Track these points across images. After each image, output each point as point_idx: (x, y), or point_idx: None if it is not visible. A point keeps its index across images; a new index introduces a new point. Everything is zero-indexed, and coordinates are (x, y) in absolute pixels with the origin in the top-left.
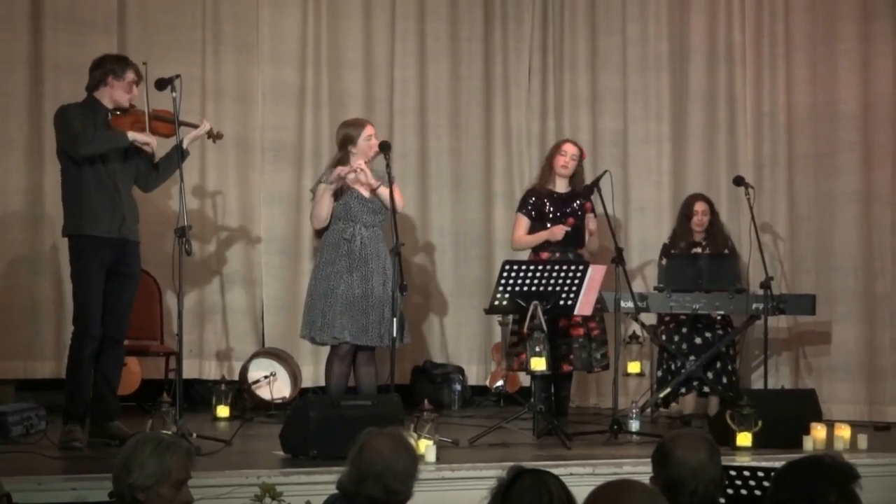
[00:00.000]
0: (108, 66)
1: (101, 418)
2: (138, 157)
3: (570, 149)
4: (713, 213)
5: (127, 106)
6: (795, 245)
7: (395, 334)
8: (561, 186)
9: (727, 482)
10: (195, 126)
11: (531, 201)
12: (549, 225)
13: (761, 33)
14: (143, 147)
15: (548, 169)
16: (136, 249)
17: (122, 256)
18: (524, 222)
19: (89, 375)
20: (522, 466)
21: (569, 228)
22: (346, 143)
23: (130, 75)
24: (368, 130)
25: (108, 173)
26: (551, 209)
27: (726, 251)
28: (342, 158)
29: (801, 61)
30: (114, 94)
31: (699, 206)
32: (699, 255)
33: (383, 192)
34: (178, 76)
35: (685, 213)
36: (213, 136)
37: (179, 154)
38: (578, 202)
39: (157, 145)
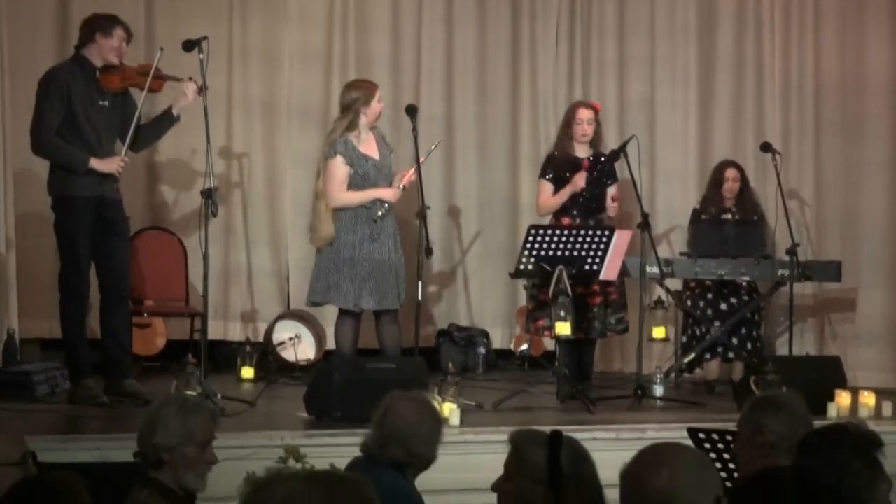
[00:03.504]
0: (96, 24)
1: (115, 377)
2: (123, 116)
3: (584, 114)
4: (744, 180)
5: (116, 63)
6: (822, 212)
7: (419, 297)
8: (581, 151)
9: (716, 448)
10: (178, 79)
11: (551, 168)
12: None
13: (790, 1)
14: (106, 172)
15: (566, 135)
16: (121, 207)
17: (108, 215)
18: (548, 188)
19: (84, 332)
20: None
21: (587, 173)
22: (354, 105)
23: (119, 33)
24: (379, 93)
25: (92, 131)
26: (571, 176)
27: (755, 218)
28: (353, 122)
29: (830, 29)
30: (102, 52)
31: (730, 173)
32: (726, 220)
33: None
34: (205, 38)
35: (716, 180)
36: (199, 88)
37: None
38: (600, 167)
39: (145, 98)
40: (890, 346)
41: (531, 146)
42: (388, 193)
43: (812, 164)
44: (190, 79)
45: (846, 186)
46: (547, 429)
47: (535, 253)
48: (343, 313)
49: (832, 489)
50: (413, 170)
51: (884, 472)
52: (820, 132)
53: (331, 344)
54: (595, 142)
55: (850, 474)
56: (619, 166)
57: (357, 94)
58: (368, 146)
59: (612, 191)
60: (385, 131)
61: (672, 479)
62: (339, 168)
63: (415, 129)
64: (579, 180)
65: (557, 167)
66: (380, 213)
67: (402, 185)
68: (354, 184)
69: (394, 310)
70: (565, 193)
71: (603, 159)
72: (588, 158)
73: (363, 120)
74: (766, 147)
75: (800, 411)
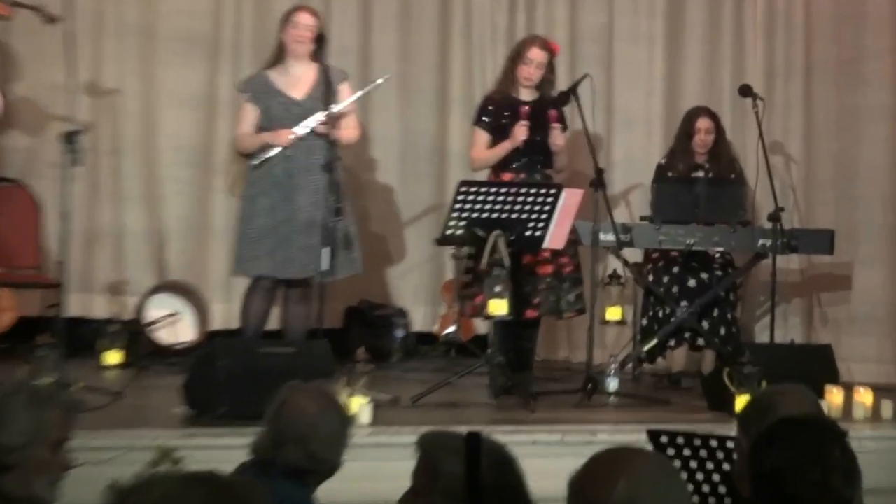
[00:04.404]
0: None
1: None
2: None
3: (536, 55)
4: (719, 131)
5: None
6: (811, 170)
7: (326, 265)
8: (526, 94)
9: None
10: (31, 7)
11: (488, 112)
12: None
13: None
14: None
15: (510, 74)
16: None
17: None
18: (483, 137)
19: None
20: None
21: (527, 124)
22: (278, 33)
23: None
24: (302, 16)
25: None
26: (512, 125)
27: (732, 176)
28: (279, 53)
29: None
30: None
31: (703, 123)
32: (696, 179)
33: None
34: None
35: (686, 130)
36: (47, 18)
37: None
38: (549, 111)
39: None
40: (892, 333)
41: (464, 86)
42: (278, 138)
43: (800, 111)
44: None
45: (841, 139)
46: (472, 430)
47: (465, 214)
48: (252, 281)
49: (819, 485)
50: (323, 115)
51: (858, 464)
52: (810, 73)
53: (216, 323)
54: (543, 87)
55: (834, 468)
56: (570, 112)
57: (281, 21)
58: (294, 82)
59: (556, 138)
60: None
61: (630, 492)
62: (244, 109)
63: (323, 63)
64: (518, 133)
65: (496, 112)
66: (261, 158)
67: (307, 130)
68: (264, 126)
69: (302, 282)
70: (503, 148)
71: (546, 102)
72: (530, 104)
73: (288, 50)
74: (745, 91)
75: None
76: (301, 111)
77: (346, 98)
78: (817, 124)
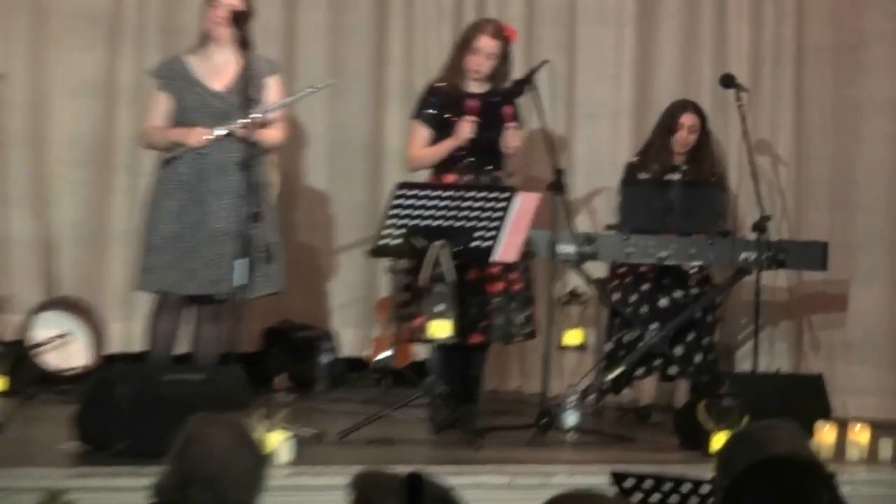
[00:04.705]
0: None
1: None
2: None
3: (486, 44)
4: (704, 131)
5: None
6: (803, 172)
7: (241, 280)
8: (476, 87)
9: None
10: None
11: (431, 105)
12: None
13: None
14: None
15: (457, 63)
16: None
17: None
18: (422, 133)
19: None
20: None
21: (475, 119)
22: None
23: None
24: None
25: None
26: (458, 120)
27: (713, 179)
28: (203, 36)
29: None
30: None
31: (688, 119)
32: (670, 182)
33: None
34: None
35: (666, 126)
36: None
37: None
38: (502, 106)
39: None
40: (892, 361)
41: (403, 72)
42: (190, 137)
43: (791, 104)
44: None
45: (838, 136)
46: (409, 470)
47: (404, 222)
48: (158, 297)
49: None
50: (246, 119)
51: None
52: (803, 60)
53: (114, 345)
54: (496, 78)
55: None
56: (526, 105)
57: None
58: (214, 71)
59: (511, 139)
60: None
61: None
62: (154, 98)
63: (247, 46)
64: (464, 129)
65: (440, 105)
66: (170, 155)
67: (224, 133)
68: (180, 120)
69: (212, 300)
70: (445, 147)
71: (498, 98)
72: (479, 97)
73: (210, 34)
74: (727, 82)
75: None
76: (220, 105)
77: (274, 94)
78: (811, 119)
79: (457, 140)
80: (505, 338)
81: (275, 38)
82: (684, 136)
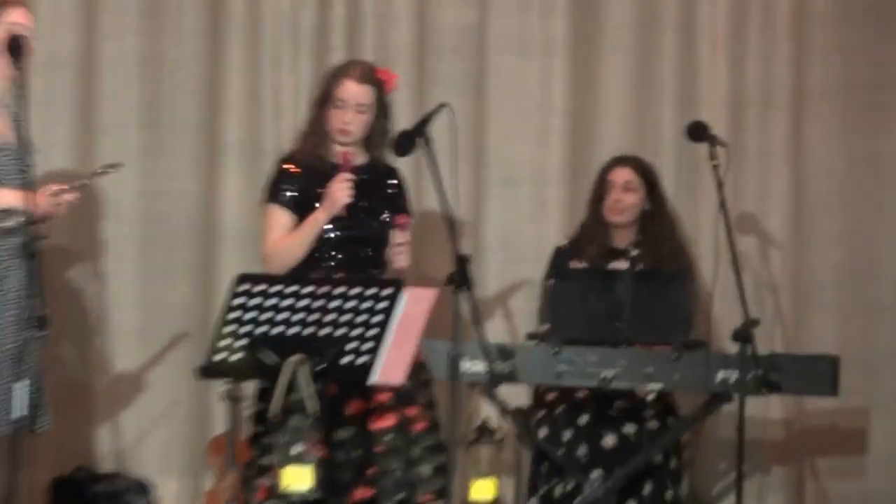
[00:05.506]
0: None
1: None
2: None
3: (353, 92)
4: (651, 189)
5: None
6: (804, 258)
7: (21, 411)
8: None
9: None
10: None
11: (291, 177)
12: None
13: None
14: None
15: (317, 124)
16: None
17: None
18: (282, 219)
19: None
20: None
21: (352, 177)
22: None
23: None
24: (12, 15)
25: None
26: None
27: (677, 265)
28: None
29: None
30: None
31: (619, 174)
32: (615, 273)
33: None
34: None
35: (597, 193)
36: None
37: None
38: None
39: None
40: None
41: (244, 123)
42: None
43: (786, 161)
44: None
45: (852, 207)
46: None
47: (247, 329)
48: None
49: None
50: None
51: None
52: (804, 102)
53: None
54: (374, 140)
55: None
56: (415, 166)
57: None
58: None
59: (396, 232)
60: None
61: None
62: None
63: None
64: (338, 190)
65: (302, 180)
66: None
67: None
68: None
69: None
70: (315, 221)
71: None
72: (355, 171)
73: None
74: (697, 131)
75: None
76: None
77: None
78: (814, 183)
79: (331, 205)
80: (406, 495)
81: (69, 73)
82: (616, 199)
